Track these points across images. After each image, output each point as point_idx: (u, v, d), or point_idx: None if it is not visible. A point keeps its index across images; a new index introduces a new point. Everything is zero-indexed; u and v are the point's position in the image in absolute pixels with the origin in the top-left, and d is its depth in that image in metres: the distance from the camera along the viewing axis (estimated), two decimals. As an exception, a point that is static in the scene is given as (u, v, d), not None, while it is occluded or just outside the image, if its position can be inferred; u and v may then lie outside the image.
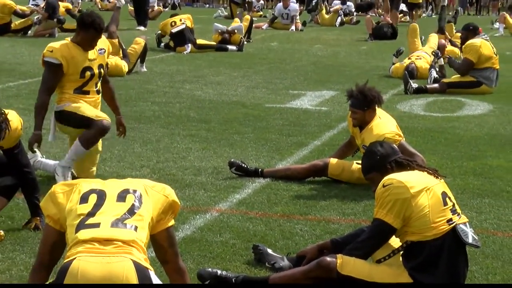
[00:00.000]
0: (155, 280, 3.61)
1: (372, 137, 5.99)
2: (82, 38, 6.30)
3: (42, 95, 6.31)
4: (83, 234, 3.66)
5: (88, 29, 6.25)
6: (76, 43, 6.33)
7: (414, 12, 27.91)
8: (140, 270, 3.56)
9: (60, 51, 6.27)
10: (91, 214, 3.72)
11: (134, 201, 3.77)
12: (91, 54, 6.38)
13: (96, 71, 6.42)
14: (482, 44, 11.71)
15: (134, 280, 3.52)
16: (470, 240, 4.19)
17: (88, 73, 6.37)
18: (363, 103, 6.29)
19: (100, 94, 6.60)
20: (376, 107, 6.37)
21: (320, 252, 4.63)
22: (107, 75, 6.71)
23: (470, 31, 12.12)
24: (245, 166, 6.83)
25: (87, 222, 3.69)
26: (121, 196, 3.80)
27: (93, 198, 3.77)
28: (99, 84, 6.54)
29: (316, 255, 4.57)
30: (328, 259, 4.26)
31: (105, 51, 6.54)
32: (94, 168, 6.60)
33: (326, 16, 26.85)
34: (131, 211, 3.73)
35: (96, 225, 3.68)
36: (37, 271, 3.81)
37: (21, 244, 5.03)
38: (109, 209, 3.75)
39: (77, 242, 3.65)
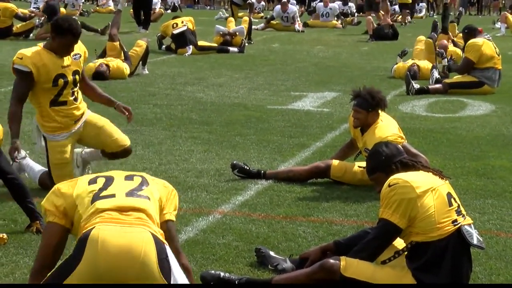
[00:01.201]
0: (171, 255, 3.64)
1: (374, 140, 5.98)
2: (59, 44, 6.05)
3: (13, 104, 6.07)
4: (101, 204, 3.71)
5: (66, 34, 6.00)
6: (50, 49, 6.09)
7: (402, 12, 27.91)
8: (159, 243, 3.61)
9: (30, 58, 6.03)
10: (103, 189, 3.80)
11: (141, 181, 3.89)
12: (65, 60, 6.12)
13: (70, 78, 6.16)
14: (484, 44, 11.69)
15: (153, 253, 3.56)
16: (475, 242, 4.19)
17: (61, 81, 6.12)
18: (369, 104, 6.31)
19: (80, 100, 6.35)
20: (380, 111, 6.39)
21: (323, 254, 4.62)
22: (86, 78, 6.56)
23: (467, 34, 12.14)
24: (248, 168, 6.83)
25: (101, 195, 3.77)
26: (129, 177, 3.93)
27: (101, 180, 3.88)
28: (76, 92, 6.29)
29: (319, 257, 4.57)
30: (331, 261, 4.25)
31: (80, 56, 6.27)
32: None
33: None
34: (140, 187, 3.84)
35: (112, 196, 3.77)
36: (39, 274, 3.80)
37: (24, 248, 5.03)
38: (120, 185, 3.84)
39: (95, 212, 3.67)
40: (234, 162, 6.90)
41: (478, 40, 11.80)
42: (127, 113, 6.53)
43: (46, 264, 3.81)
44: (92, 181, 3.86)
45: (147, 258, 3.54)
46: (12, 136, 6.00)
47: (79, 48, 6.29)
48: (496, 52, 11.83)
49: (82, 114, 6.37)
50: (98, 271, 3.51)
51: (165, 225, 3.85)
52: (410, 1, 29.14)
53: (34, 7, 21.54)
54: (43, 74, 6.05)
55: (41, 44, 6.22)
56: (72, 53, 6.19)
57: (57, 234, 3.80)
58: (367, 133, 6.38)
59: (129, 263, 3.51)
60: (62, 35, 6.02)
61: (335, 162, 6.74)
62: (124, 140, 6.47)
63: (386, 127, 6.35)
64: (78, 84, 6.31)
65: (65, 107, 6.24)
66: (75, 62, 6.22)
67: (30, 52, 6.08)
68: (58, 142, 6.26)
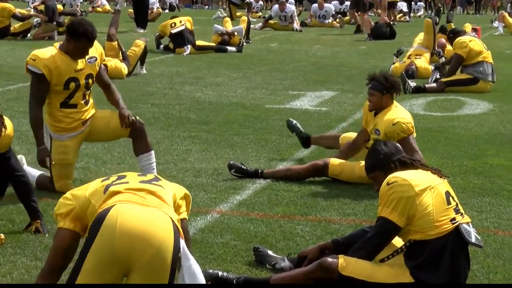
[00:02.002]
0: (184, 251, 3.65)
1: (385, 121, 6.20)
2: (73, 47, 5.99)
3: (34, 109, 6.03)
4: (114, 187, 3.72)
5: (80, 38, 5.94)
6: (65, 51, 6.03)
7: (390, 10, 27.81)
8: (176, 233, 3.61)
9: (43, 60, 5.97)
10: (116, 180, 3.82)
11: (154, 177, 3.92)
12: (79, 63, 6.08)
13: (82, 81, 6.11)
14: (471, 40, 11.86)
15: (170, 245, 3.55)
16: (473, 240, 4.20)
17: (72, 84, 6.07)
18: (383, 86, 6.41)
19: (91, 103, 6.30)
20: (394, 96, 6.49)
21: (321, 253, 4.62)
22: (108, 77, 6.51)
23: (453, 37, 12.20)
24: (245, 167, 6.83)
25: (115, 183, 3.78)
26: (141, 175, 3.95)
27: (114, 177, 3.89)
28: (88, 95, 6.25)
29: (317, 256, 4.57)
30: (329, 259, 4.25)
31: (96, 59, 6.20)
32: (70, 181, 6.31)
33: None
34: (154, 180, 3.87)
35: (125, 182, 3.78)
36: (47, 277, 3.81)
37: (22, 248, 5.02)
38: (133, 177, 3.86)
39: (109, 195, 3.68)
40: (231, 162, 6.91)
41: (464, 37, 12.00)
42: (123, 124, 6.25)
43: (55, 268, 3.82)
44: (105, 179, 3.90)
45: (164, 246, 3.54)
46: (39, 144, 6.02)
47: (96, 50, 6.21)
48: (484, 47, 11.91)
49: (92, 116, 6.33)
50: (112, 250, 3.51)
51: (180, 223, 3.86)
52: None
53: (32, 7, 21.51)
54: (55, 76, 6.01)
55: (56, 45, 6.15)
56: (87, 56, 6.13)
57: (67, 239, 3.80)
58: (380, 114, 6.46)
59: (145, 248, 3.50)
60: (76, 38, 5.96)
61: (333, 160, 6.74)
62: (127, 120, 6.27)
63: (400, 111, 6.45)
64: (91, 88, 6.26)
65: (75, 110, 6.21)
66: (89, 65, 6.17)
67: (44, 54, 6.03)
68: (62, 142, 6.23)
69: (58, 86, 6.05)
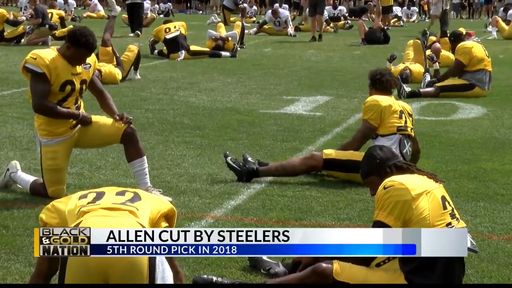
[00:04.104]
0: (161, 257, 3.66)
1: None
2: (72, 54, 6.03)
3: (41, 104, 6.03)
4: (85, 208, 3.77)
5: (81, 47, 5.99)
6: (62, 55, 6.06)
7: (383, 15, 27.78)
8: None
9: (44, 59, 6.00)
10: (91, 203, 3.84)
11: (133, 196, 3.89)
12: (77, 68, 6.13)
13: (77, 86, 6.14)
14: (474, 47, 11.77)
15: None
16: (468, 245, 4.20)
17: (68, 87, 6.09)
18: (371, 80, 7.11)
19: (81, 109, 6.29)
20: (387, 93, 7.01)
21: (315, 258, 4.61)
22: (100, 84, 6.55)
23: (454, 41, 12.19)
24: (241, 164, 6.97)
25: (89, 204, 3.81)
26: (120, 193, 3.94)
27: (92, 195, 3.92)
28: (80, 101, 6.27)
29: (312, 261, 4.56)
30: (324, 265, 4.25)
31: (90, 66, 6.25)
32: (63, 187, 6.31)
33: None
34: (131, 201, 3.85)
35: (97, 205, 3.81)
36: (36, 280, 3.87)
37: (16, 254, 5.01)
38: (109, 199, 3.86)
39: (80, 215, 3.73)
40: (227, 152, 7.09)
41: (468, 43, 11.89)
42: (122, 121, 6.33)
43: (42, 274, 3.86)
44: (83, 196, 3.90)
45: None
46: (75, 115, 6.14)
47: (90, 58, 6.25)
48: (486, 55, 11.89)
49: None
50: (87, 264, 3.55)
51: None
52: (391, 3, 28.98)
53: (23, 13, 21.47)
54: (53, 77, 6.03)
55: (54, 48, 6.20)
56: None
57: None
58: None
59: (119, 259, 3.53)
60: (77, 47, 6.01)
61: (327, 151, 6.96)
62: (120, 124, 6.31)
63: (382, 97, 6.97)
64: (83, 94, 6.28)
65: None
66: (85, 71, 6.21)
67: (44, 54, 6.07)
68: (51, 148, 6.21)
69: (55, 86, 6.06)
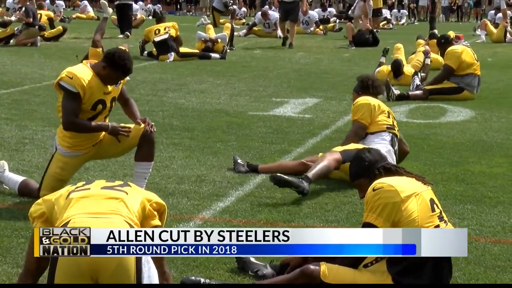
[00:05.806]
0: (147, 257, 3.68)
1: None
2: (107, 75, 5.94)
3: (71, 122, 5.94)
4: (74, 194, 3.81)
5: (117, 70, 5.92)
6: (97, 74, 5.95)
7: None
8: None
9: (80, 80, 5.88)
10: (80, 187, 3.91)
11: (122, 183, 3.96)
12: (109, 87, 6.05)
13: (108, 104, 6.11)
14: (464, 51, 11.78)
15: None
16: None
17: (100, 107, 6.04)
18: (358, 87, 7.35)
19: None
20: (367, 95, 7.22)
21: (303, 260, 4.62)
22: (126, 92, 6.41)
23: (444, 44, 12.20)
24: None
25: (77, 190, 3.87)
26: (110, 180, 4.04)
27: (81, 183, 3.98)
28: (107, 118, 6.21)
29: (300, 263, 4.57)
30: (312, 267, 4.26)
31: (120, 83, 6.18)
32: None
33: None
34: (120, 186, 3.91)
35: (86, 189, 3.87)
36: (24, 279, 3.86)
37: (4, 255, 5.00)
38: (98, 183, 3.94)
39: (67, 203, 3.77)
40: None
41: (457, 48, 11.90)
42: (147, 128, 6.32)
43: (31, 269, 3.86)
44: (73, 184, 3.99)
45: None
46: (104, 127, 6.06)
47: None
48: (475, 59, 11.92)
49: (103, 137, 6.27)
50: (78, 263, 3.56)
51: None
52: (380, 6, 28.96)
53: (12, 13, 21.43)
54: (86, 97, 5.94)
55: (88, 64, 6.06)
56: None
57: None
58: None
59: (109, 260, 3.54)
60: (113, 69, 5.92)
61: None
62: (138, 126, 6.30)
63: (370, 98, 7.22)
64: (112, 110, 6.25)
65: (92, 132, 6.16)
66: (115, 89, 6.14)
67: (81, 73, 5.93)
68: (64, 158, 6.15)
69: (87, 105, 5.99)
